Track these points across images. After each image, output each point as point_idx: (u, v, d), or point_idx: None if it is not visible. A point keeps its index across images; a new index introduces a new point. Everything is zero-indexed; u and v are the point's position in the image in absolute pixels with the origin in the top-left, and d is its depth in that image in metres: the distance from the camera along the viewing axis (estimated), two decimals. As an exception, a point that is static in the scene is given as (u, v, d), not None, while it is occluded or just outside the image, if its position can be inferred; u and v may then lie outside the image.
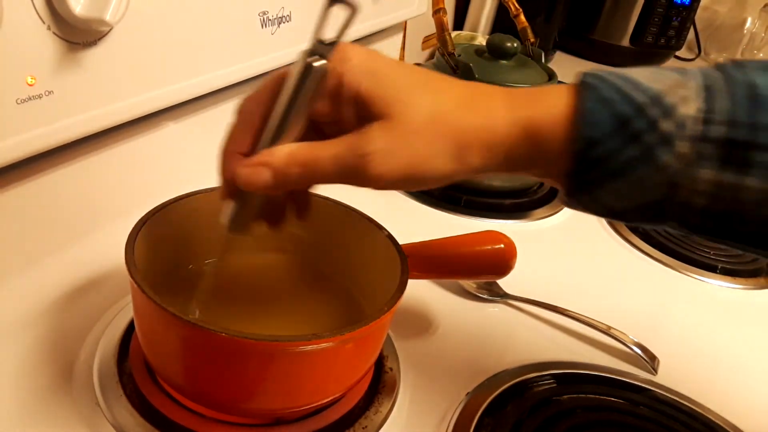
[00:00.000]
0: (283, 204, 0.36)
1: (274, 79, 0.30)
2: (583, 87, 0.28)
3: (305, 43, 0.29)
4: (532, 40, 0.72)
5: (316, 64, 0.28)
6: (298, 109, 0.29)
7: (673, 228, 0.29)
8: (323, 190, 0.39)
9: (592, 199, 0.29)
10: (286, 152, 0.29)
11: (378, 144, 0.28)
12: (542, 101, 0.29)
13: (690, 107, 0.26)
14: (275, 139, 0.29)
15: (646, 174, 0.27)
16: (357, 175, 0.29)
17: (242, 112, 0.31)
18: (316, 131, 0.32)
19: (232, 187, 0.31)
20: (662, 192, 0.27)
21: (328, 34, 0.29)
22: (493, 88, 0.30)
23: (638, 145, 0.26)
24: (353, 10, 0.27)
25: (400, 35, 0.90)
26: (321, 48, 0.28)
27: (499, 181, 0.67)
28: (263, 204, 0.33)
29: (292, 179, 0.29)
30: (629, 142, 0.27)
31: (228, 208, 0.32)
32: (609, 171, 0.27)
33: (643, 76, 0.28)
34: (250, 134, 0.31)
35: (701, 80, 0.27)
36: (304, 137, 0.30)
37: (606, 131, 0.27)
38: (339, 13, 0.28)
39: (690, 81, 0.27)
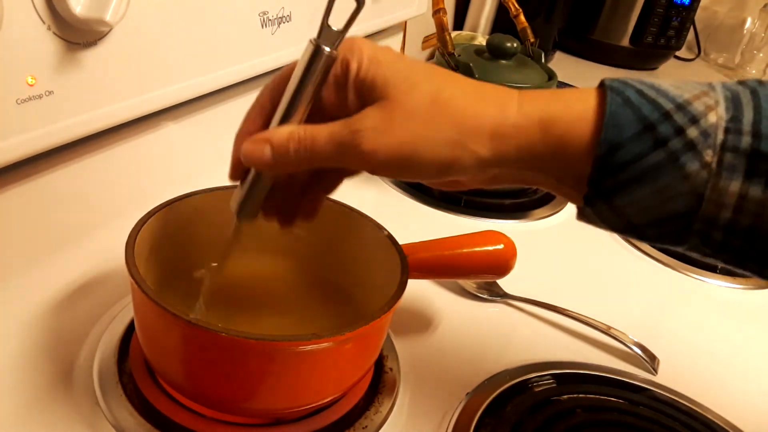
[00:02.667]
0: (295, 203, 0.36)
1: (289, 68, 0.31)
2: (607, 90, 0.27)
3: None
4: (532, 40, 0.72)
5: (324, 48, 0.29)
6: (305, 92, 0.30)
7: (694, 249, 0.28)
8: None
9: (611, 209, 0.27)
10: (287, 130, 0.30)
11: (372, 121, 0.28)
12: (560, 100, 0.28)
13: (716, 116, 0.26)
14: (283, 121, 0.30)
15: (670, 182, 0.26)
16: (350, 151, 0.29)
17: (258, 98, 0.32)
18: (325, 121, 0.32)
19: (240, 169, 0.33)
20: (686, 203, 0.26)
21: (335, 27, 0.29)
22: (503, 87, 0.30)
23: (663, 150, 0.26)
24: (359, 5, 0.28)
25: (400, 35, 0.90)
26: (329, 35, 0.29)
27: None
28: (271, 191, 0.33)
29: (290, 156, 0.30)
30: (654, 147, 0.26)
31: (237, 194, 0.33)
32: (632, 177, 0.26)
33: (667, 84, 0.27)
34: (262, 117, 0.32)
35: (726, 92, 0.27)
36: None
37: (630, 135, 0.26)
38: (346, 6, 0.28)
39: (715, 92, 0.27)
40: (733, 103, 0.26)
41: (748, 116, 0.25)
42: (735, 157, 0.25)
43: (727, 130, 0.25)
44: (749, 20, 1.39)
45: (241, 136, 0.32)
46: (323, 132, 0.29)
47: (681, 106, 0.26)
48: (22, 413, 0.34)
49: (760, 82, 0.27)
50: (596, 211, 0.28)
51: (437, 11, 0.66)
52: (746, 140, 0.25)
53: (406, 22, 0.88)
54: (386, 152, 0.28)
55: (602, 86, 0.28)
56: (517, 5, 0.73)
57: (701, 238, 0.27)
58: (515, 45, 0.66)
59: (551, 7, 1.12)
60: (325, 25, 0.29)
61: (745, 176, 0.25)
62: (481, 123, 0.28)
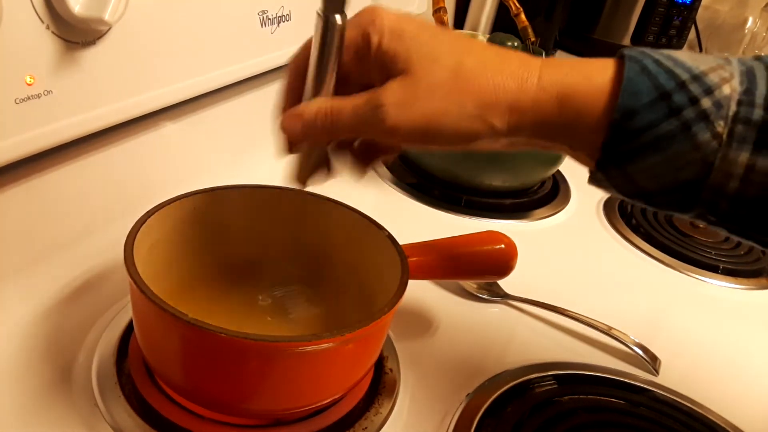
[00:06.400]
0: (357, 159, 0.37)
1: (307, 44, 0.32)
2: (626, 59, 0.28)
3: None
4: (532, 39, 0.72)
5: (332, 16, 0.29)
6: (327, 64, 0.31)
7: (700, 217, 0.28)
8: (326, 191, 0.39)
9: (623, 174, 0.28)
10: (315, 105, 0.31)
11: (394, 96, 0.29)
12: (579, 71, 0.29)
13: (730, 88, 0.26)
14: (314, 95, 0.32)
15: (682, 150, 0.26)
16: (373, 125, 0.30)
17: (286, 77, 0.34)
18: (353, 89, 0.32)
19: (287, 143, 0.34)
20: (696, 172, 0.27)
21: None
22: (526, 55, 0.30)
23: (677, 119, 0.26)
24: None
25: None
26: (333, 3, 0.29)
27: (500, 180, 0.66)
28: (320, 158, 0.35)
29: (317, 129, 0.31)
30: (668, 115, 0.26)
31: (290, 164, 0.35)
32: (645, 143, 0.27)
33: (684, 55, 0.28)
34: (294, 94, 0.33)
35: (741, 66, 0.27)
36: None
37: (646, 102, 0.27)
38: None
39: (730, 65, 0.27)
40: (748, 76, 0.27)
41: (761, 90, 0.26)
42: (746, 129, 0.26)
43: (740, 102, 0.26)
44: (750, 20, 1.39)
45: (280, 113, 0.34)
46: (348, 106, 0.30)
47: (697, 77, 0.27)
48: (21, 413, 0.34)
49: None
50: (608, 176, 0.29)
51: (437, 10, 0.66)
52: (758, 113, 0.26)
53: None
54: (408, 127, 0.29)
55: (621, 56, 0.28)
56: (517, 4, 0.73)
57: (708, 207, 0.28)
58: (516, 44, 0.66)
59: (552, 6, 1.12)
60: None
61: (755, 148, 0.26)
62: (500, 97, 0.29)
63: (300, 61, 0.33)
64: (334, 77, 0.31)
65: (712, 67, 0.27)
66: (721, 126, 0.26)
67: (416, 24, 0.30)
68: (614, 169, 0.28)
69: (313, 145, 0.34)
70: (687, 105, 0.26)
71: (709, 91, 0.26)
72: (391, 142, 0.31)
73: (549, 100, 0.28)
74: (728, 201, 0.27)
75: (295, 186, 0.36)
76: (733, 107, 0.26)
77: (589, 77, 0.28)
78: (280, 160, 0.36)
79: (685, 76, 0.27)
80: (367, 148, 0.36)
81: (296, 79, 0.33)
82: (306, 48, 0.32)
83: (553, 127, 0.29)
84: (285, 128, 0.33)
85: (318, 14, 0.30)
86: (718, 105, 0.26)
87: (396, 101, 0.29)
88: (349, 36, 0.31)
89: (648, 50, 0.28)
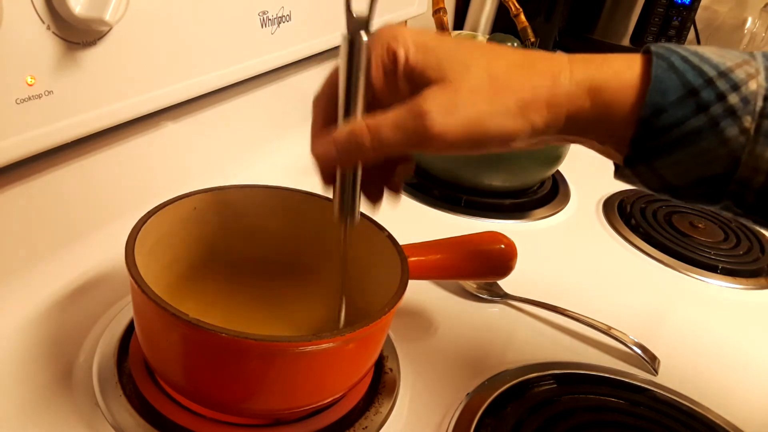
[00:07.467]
0: (378, 184, 0.36)
1: (334, 71, 0.32)
2: (654, 55, 0.28)
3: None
4: (532, 39, 0.72)
5: (357, 36, 0.29)
6: (357, 85, 0.30)
7: (726, 209, 0.29)
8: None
9: (650, 170, 0.29)
10: (348, 126, 0.30)
11: (436, 102, 0.28)
12: (608, 66, 0.29)
13: (756, 84, 0.27)
14: (347, 118, 0.31)
15: (709, 146, 0.27)
16: (418, 136, 0.29)
17: (315, 106, 0.33)
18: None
19: (328, 176, 0.33)
20: (723, 166, 0.27)
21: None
22: (552, 53, 0.31)
23: (705, 115, 0.27)
24: None
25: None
26: (356, 22, 0.29)
27: (500, 180, 0.67)
28: (360, 186, 0.34)
29: (355, 150, 0.30)
30: (696, 112, 0.27)
31: (334, 200, 0.34)
32: (673, 139, 0.27)
33: (710, 52, 0.28)
34: (326, 123, 0.32)
35: (766, 62, 0.27)
36: None
37: (674, 99, 0.27)
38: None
39: (756, 60, 0.28)
40: None
41: None
42: None
43: (766, 98, 0.26)
44: (750, 20, 1.39)
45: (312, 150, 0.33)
46: (387, 120, 0.29)
47: (723, 73, 0.27)
48: (22, 413, 0.34)
49: None
50: (636, 171, 0.29)
51: (437, 11, 0.66)
52: None
53: (406, 22, 0.88)
54: (455, 131, 0.29)
55: (648, 52, 0.29)
56: (517, 5, 0.73)
57: (735, 200, 0.28)
58: (515, 45, 0.66)
59: (551, 7, 1.12)
60: (349, 15, 0.29)
61: None
62: (538, 94, 0.29)
63: (323, 95, 0.32)
64: (364, 101, 0.31)
65: (738, 63, 0.27)
66: (748, 121, 0.26)
67: (436, 36, 0.30)
68: (642, 165, 0.29)
69: (347, 169, 0.32)
70: (715, 101, 0.27)
71: (735, 87, 0.27)
72: (435, 150, 0.30)
73: (581, 95, 0.29)
74: (755, 194, 0.27)
75: (341, 221, 0.34)
76: (759, 103, 0.26)
77: (618, 72, 0.29)
78: (321, 187, 0.34)
79: (712, 72, 0.27)
80: (380, 170, 0.35)
81: (322, 115, 0.32)
82: (327, 84, 0.32)
83: (585, 122, 0.29)
84: (318, 155, 0.31)
85: (343, 36, 0.29)
86: (745, 101, 0.27)
87: (439, 107, 0.28)
88: (374, 54, 0.30)
89: (674, 46, 0.28)
